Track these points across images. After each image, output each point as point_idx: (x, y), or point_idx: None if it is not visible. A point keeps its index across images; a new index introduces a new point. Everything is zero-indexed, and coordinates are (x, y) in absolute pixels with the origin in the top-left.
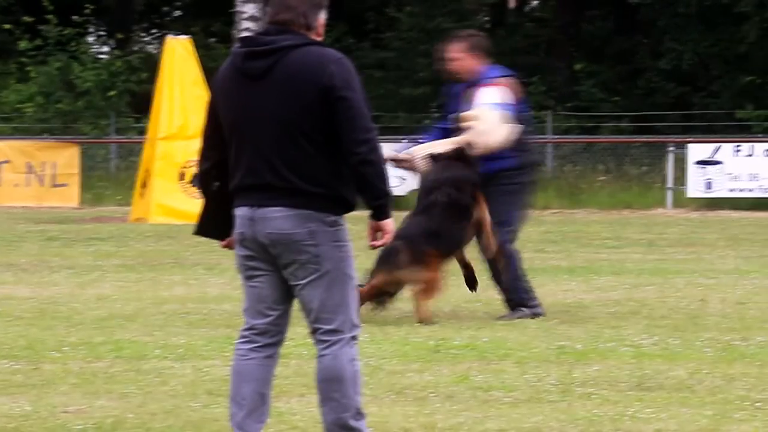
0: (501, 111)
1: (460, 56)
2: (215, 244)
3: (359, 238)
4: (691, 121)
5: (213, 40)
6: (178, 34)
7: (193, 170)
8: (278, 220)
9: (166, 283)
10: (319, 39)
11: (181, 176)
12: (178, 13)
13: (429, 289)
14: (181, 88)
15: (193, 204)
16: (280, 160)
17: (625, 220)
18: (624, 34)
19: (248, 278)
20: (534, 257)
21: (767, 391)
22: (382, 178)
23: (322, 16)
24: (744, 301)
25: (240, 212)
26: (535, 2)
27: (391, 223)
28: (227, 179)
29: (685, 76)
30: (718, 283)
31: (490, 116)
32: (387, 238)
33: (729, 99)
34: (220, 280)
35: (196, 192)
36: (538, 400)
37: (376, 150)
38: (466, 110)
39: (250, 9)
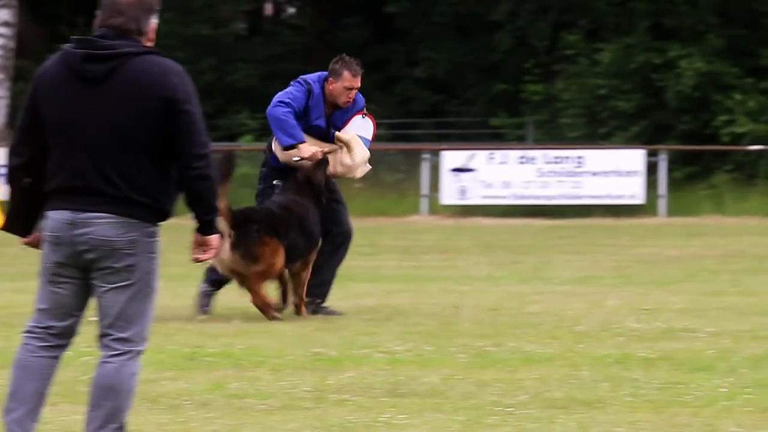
0: (367, 147)
1: (358, 86)
2: None
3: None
4: (445, 128)
5: None
6: None
7: None
8: (102, 226)
9: None
10: (150, 44)
11: None
12: None
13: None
14: None
15: None
16: (111, 167)
17: (381, 227)
18: (380, 42)
19: (52, 283)
20: None
21: (519, 397)
22: (215, 194)
23: (154, 21)
24: (496, 307)
25: (59, 215)
26: (292, 10)
27: (217, 239)
28: (39, 177)
29: (440, 85)
30: (472, 290)
31: (362, 151)
32: (212, 253)
33: (483, 107)
34: None
35: None
36: (293, 407)
37: (211, 165)
38: (345, 130)
39: (3, 15)
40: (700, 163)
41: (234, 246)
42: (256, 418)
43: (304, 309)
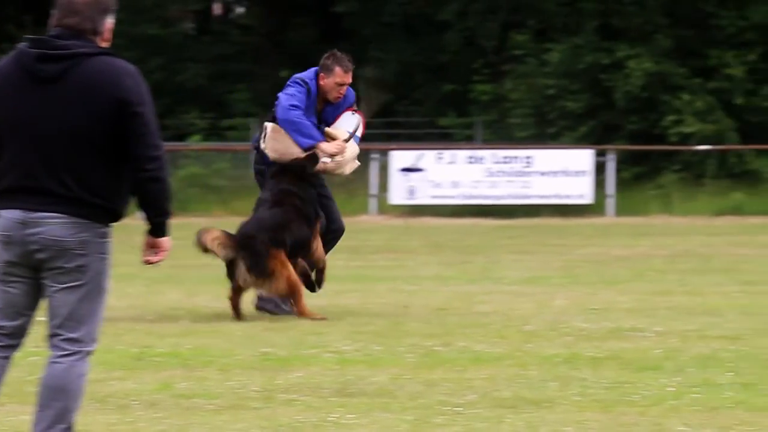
0: (356, 143)
1: (349, 82)
2: None
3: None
4: (394, 128)
5: None
6: None
7: None
8: (53, 226)
9: None
10: (106, 44)
11: None
12: None
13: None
14: None
15: None
16: (63, 167)
17: None
18: (329, 42)
19: (4, 282)
20: None
21: (467, 396)
22: (167, 196)
23: (110, 21)
24: (445, 307)
25: (10, 214)
26: (241, 9)
27: (168, 241)
28: None
29: (388, 85)
30: (421, 290)
31: (352, 147)
32: (163, 256)
33: (432, 107)
34: None
35: None
36: (241, 406)
37: (164, 168)
38: (334, 126)
39: None
40: (648, 163)
41: (249, 269)
42: (204, 418)
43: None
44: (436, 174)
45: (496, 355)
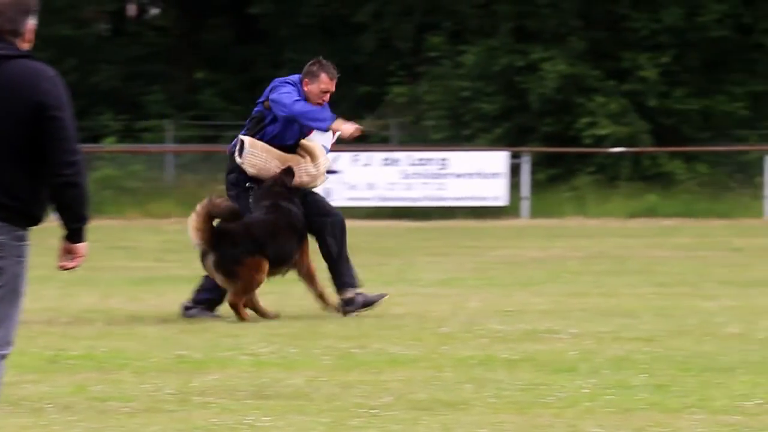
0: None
1: (333, 89)
2: None
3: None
4: None
5: None
6: None
7: None
8: None
9: None
10: (27, 45)
11: None
12: None
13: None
14: None
15: None
16: None
17: None
18: (244, 43)
19: None
20: (154, 266)
21: (383, 398)
22: (84, 202)
23: (32, 22)
24: (361, 309)
25: None
26: (155, 11)
27: (85, 247)
28: None
29: None
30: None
31: (324, 160)
32: (79, 262)
33: (348, 108)
34: None
35: None
36: (156, 409)
37: (81, 173)
38: (309, 138)
39: None
40: (562, 165)
41: (216, 265)
42: (119, 421)
43: (326, 299)
44: (352, 176)
45: (412, 357)
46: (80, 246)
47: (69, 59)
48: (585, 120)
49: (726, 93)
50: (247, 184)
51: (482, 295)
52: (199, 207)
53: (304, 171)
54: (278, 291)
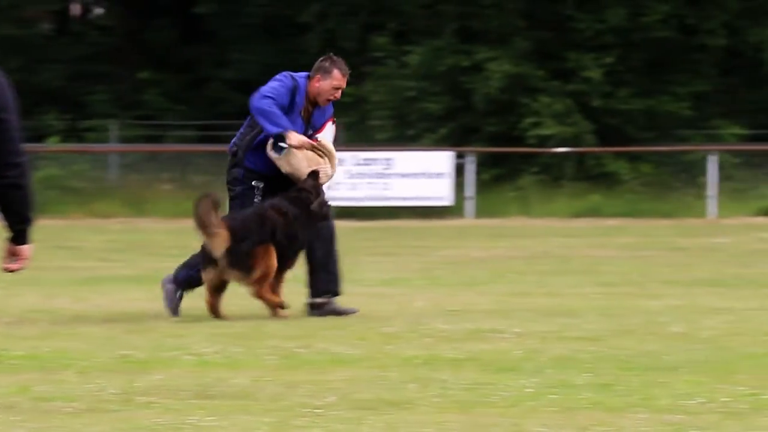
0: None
1: (344, 86)
2: None
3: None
4: None
5: None
6: None
7: None
8: None
9: None
10: None
11: None
12: None
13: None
14: None
15: None
16: None
17: (189, 229)
18: (189, 43)
19: None
20: (98, 266)
21: (327, 398)
22: (29, 203)
23: None
24: (305, 308)
25: None
26: (100, 10)
27: (30, 249)
28: None
29: (249, 86)
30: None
31: (336, 162)
32: (23, 264)
33: None
34: None
35: None
36: (100, 409)
37: (26, 175)
38: (321, 137)
39: None
40: (507, 165)
41: (231, 264)
42: (62, 421)
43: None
44: None
45: (357, 356)
46: (25, 248)
47: (12, 59)
48: (529, 120)
49: (670, 93)
50: (253, 182)
51: (427, 295)
52: (213, 219)
53: (323, 172)
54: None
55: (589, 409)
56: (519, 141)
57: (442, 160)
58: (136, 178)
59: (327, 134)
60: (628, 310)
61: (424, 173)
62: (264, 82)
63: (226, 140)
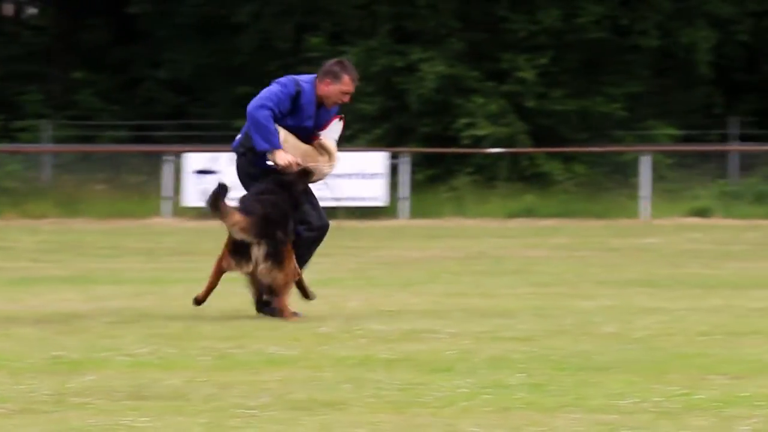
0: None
1: (353, 91)
2: None
3: None
4: (188, 130)
5: None
6: None
7: None
8: None
9: None
10: None
11: None
12: None
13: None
14: None
15: None
16: None
17: (123, 229)
18: (122, 43)
19: None
20: (30, 267)
21: (261, 398)
22: None
23: None
24: (239, 309)
25: None
26: (33, 10)
27: None
28: None
29: (183, 86)
30: (215, 292)
31: (337, 155)
32: None
33: (226, 109)
34: None
35: None
36: (32, 410)
37: None
38: (324, 134)
39: None
40: (441, 166)
41: (267, 256)
42: None
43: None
44: (231, 176)
45: (291, 357)
46: None
47: None
48: (464, 120)
49: (603, 94)
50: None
51: (361, 296)
52: (229, 210)
53: (318, 170)
54: (156, 291)
55: (523, 409)
56: (453, 141)
57: (377, 160)
58: (70, 178)
59: (332, 131)
60: (562, 311)
61: (359, 174)
62: (197, 82)
63: (159, 140)
